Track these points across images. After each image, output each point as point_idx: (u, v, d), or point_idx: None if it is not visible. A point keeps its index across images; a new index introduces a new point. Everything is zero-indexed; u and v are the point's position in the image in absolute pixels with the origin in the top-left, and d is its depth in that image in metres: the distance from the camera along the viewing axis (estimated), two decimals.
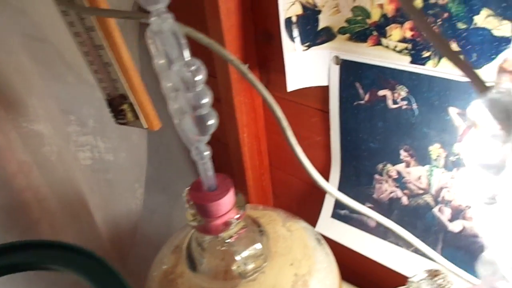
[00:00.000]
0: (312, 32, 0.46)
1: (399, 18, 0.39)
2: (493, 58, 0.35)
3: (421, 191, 0.46)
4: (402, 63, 0.41)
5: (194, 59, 0.28)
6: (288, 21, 0.45)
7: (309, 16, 0.45)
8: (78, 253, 0.28)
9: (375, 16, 0.41)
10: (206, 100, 0.29)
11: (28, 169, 0.45)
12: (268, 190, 0.66)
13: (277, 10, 0.45)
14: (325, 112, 0.51)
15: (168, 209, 0.69)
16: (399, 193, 0.48)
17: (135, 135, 0.56)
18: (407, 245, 0.45)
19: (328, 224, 0.55)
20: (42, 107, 0.44)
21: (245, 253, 0.35)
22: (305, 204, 0.62)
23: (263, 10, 0.50)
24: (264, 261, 0.37)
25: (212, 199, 0.35)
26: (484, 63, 0.36)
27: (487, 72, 0.35)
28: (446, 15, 0.36)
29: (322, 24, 0.45)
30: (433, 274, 0.28)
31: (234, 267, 0.36)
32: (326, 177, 0.55)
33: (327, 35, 0.45)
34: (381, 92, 0.44)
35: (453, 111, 0.39)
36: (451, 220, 0.44)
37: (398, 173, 0.47)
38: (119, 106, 0.36)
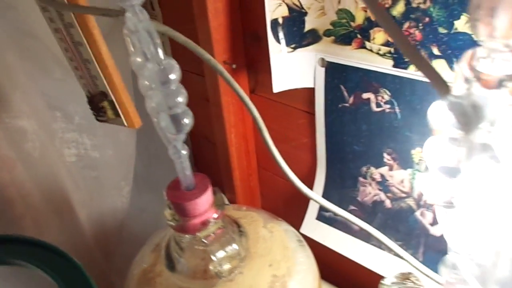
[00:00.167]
0: (298, 34, 0.46)
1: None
2: None
3: (403, 195, 0.46)
4: (385, 66, 0.41)
5: (169, 57, 0.28)
6: (275, 22, 0.45)
7: (295, 18, 0.45)
8: (41, 247, 0.28)
9: (359, 19, 0.41)
10: (181, 99, 0.29)
11: (12, 165, 0.45)
12: (256, 191, 0.66)
13: (264, 11, 0.45)
14: (312, 114, 0.51)
15: (158, 207, 0.69)
16: (382, 196, 0.48)
17: (122, 132, 0.56)
18: (389, 248, 0.45)
19: (312, 226, 0.55)
20: (27, 103, 0.44)
21: (220, 253, 0.35)
22: (291, 205, 0.62)
23: (251, 10, 0.50)
24: (240, 261, 0.37)
25: (190, 198, 0.35)
26: None
27: None
28: (427, 19, 0.36)
29: (308, 26, 0.45)
30: (404, 277, 0.28)
31: (211, 267, 0.36)
32: (312, 179, 0.55)
33: (313, 37, 0.46)
34: (365, 95, 0.44)
35: None
36: (432, 224, 0.44)
37: (382, 176, 0.47)
38: (99, 103, 0.36)
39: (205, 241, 0.35)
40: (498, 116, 0.16)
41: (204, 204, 0.35)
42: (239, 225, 0.41)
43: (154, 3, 0.61)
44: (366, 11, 0.40)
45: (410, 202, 0.45)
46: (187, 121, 0.30)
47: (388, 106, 0.43)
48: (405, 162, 0.44)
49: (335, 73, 0.46)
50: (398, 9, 0.37)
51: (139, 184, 0.66)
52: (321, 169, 0.53)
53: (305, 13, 0.44)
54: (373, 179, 0.48)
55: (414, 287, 0.27)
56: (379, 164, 0.46)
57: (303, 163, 0.56)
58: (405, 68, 0.39)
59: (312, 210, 0.56)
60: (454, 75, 0.17)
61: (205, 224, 0.36)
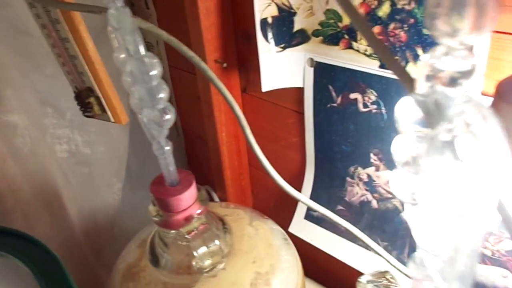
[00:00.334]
0: (288, 33, 0.46)
1: (368, 22, 0.39)
2: None
3: (389, 195, 0.46)
4: (372, 67, 0.41)
5: (151, 54, 0.28)
6: (264, 22, 0.46)
7: (284, 18, 0.45)
8: (16, 237, 0.28)
9: (346, 19, 0.41)
10: (163, 95, 0.29)
11: (2, 160, 0.45)
12: (247, 190, 0.66)
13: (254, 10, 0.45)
14: (301, 113, 0.51)
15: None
16: (369, 196, 0.48)
17: (114, 129, 0.57)
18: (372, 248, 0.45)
19: (301, 225, 0.55)
20: (18, 99, 0.45)
21: (202, 249, 0.35)
22: (282, 204, 0.63)
23: (242, 10, 0.50)
24: (223, 258, 0.37)
25: (173, 194, 0.35)
26: None
27: None
28: (412, 20, 0.36)
29: (297, 26, 0.45)
30: (380, 275, 0.28)
31: (193, 263, 0.37)
32: (302, 179, 0.55)
33: (302, 37, 0.46)
34: (353, 95, 0.44)
35: None
36: None
37: (369, 176, 0.47)
38: (85, 99, 0.36)
39: (188, 236, 0.35)
40: (457, 113, 0.16)
41: (187, 200, 0.36)
42: (224, 222, 0.41)
43: (148, 2, 0.62)
44: None
45: (396, 202, 0.46)
46: (169, 117, 0.30)
47: (374, 106, 0.43)
48: (391, 162, 0.44)
49: (324, 73, 0.46)
50: (384, 10, 0.38)
51: (132, 181, 0.67)
52: (310, 168, 0.54)
53: (294, 13, 0.45)
54: (360, 179, 0.48)
55: (388, 284, 0.27)
56: (366, 164, 0.47)
57: (293, 163, 0.56)
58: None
59: (300, 210, 0.56)
60: (418, 72, 0.18)
61: (188, 220, 0.36)
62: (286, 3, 0.45)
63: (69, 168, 0.53)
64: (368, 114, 0.44)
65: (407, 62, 0.39)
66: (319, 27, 0.44)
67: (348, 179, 0.49)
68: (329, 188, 0.52)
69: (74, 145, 0.52)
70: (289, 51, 0.47)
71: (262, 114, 0.57)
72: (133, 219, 0.67)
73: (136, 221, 0.67)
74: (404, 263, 0.44)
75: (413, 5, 0.36)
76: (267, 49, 0.47)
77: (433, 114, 0.18)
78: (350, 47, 0.42)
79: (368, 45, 0.38)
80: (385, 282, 0.28)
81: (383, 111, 0.42)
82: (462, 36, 0.15)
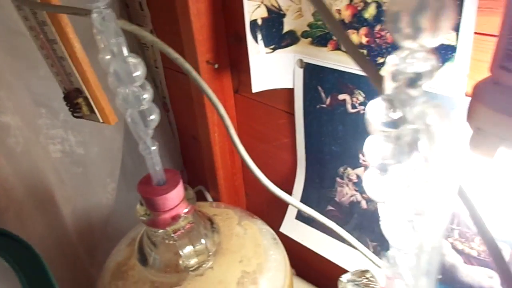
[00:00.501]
0: (277, 35, 0.47)
1: (355, 24, 0.40)
2: (440, 66, 0.36)
3: None
4: (359, 68, 0.41)
5: (134, 55, 0.29)
6: (254, 23, 0.46)
7: (274, 19, 0.46)
8: (4, 237, 0.28)
9: None
10: (147, 95, 0.30)
11: None
12: (241, 190, 0.67)
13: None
14: (292, 114, 0.52)
15: None
16: (358, 197, 0.48)
17: (108, 130, 0.57)
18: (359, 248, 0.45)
19: (292, 226, 0.56)
20: (11, 100, 0.45)
21: (188, 248, 0.36)
22: (275, 204, 0.63)
23: (234, 12, 0.51)
24: (208, 256, 0.37)
25: (160, 193, 0.36)
26: None
27: (435, 80, 0.36)
28: None
29: (286, 27, 0.46)
30: (360, 274, 0.29)
31: (180, 261, 0.37)
32: (293, 179, 0.56)
33: (291, 39, 0.46)
34: (341, 96, 0.45)
35: None
36: None
37: (358, 177, 0.47)
38: (74, 100, 0.37)
39: (174, 235, 0.35)
40: (418, 114, 0.17)
41: (174, 199, 0.36)
42: (212, 221, 0.42)
43: (143, 4, 0.63)
44: (340, 13, 0.40)
45: None
46: (153, 117, 0.31)
47: (362, 107, 0.43)
48: None
49: (313, 74, 0.46)
50: (370, 12, 0.38)
51: (128, 180, 0.67)
52: (301, 169, 0.54)
53: (284, 15, 0.45)
54: (350, 180, 0.48)
55: (368, 283, 0.27)
56: (356, 165, 0.47)
57: (285, 163, 0.57)
58: (378, 70, 0.40)
59: (291, 210, 0.56)
60: (385, 74, 0.18)
61: (175, 219, 0.37)
62: (276, 5, 0.45)
63: (62, 168, 0.53)
64: (357, 115, 0.44)
65: None
66: (307, 29, 0.44)
67: (338, 179, 0.50)
68: (320, 189, 0.52)
69: (68, 145, 0.53)
70: (279, 52, 0.47)
71: (254, 114, 0.57)
72: (128, 218, 0.67)
73: (131, 220, 0.68)
74: None
75: None
76: (256, 51, 0.47)
77: (398, 115, 0.18)
78: (338, 48, 0.42)
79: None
80: (365, 281, 0.28)
81: None
82: (421, 39, 0.16)
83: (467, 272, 0.41)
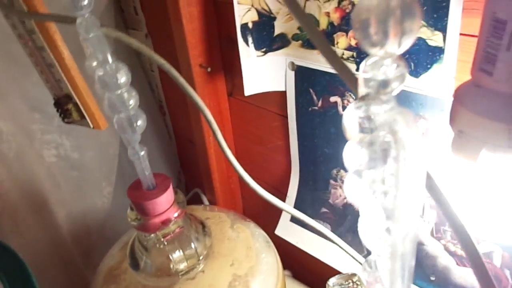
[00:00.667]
0: (268, 38, 0.47)
1: (344, 26, 0.40)
2: (429, 68, 0.36)
3: None
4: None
5: (118, 62, 0.29)
6: (244, 27, 0.46)
7: (265, 23, 0.46)
8: None
9: (323, 24, 0.41)
10: (132, 101, 0.30)
11: None
12: (237, 193, 0.67)
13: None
14: (285, 116, 0.52)
15: None
16: None
17: (103, 134, 0.58)
18: (358, 251, 0.45)
19: (287, 228, 0.56)
20: (4, 105, 0.46)
21: (177, 252, 0.36)
22: (270, 207, 0.63)
23: (226, 15, 0.51)
24: (198, 260, 0.38)
25: (149, 198, 0.36)
26: (421, 72, 0.36)
27: (424, 81, 0.36)
28: None
29: (277, 30, 0.46)
30: (347, 278, 0.29)
31: (171, 265, 0.37)
32: (288, 182, 0.56)
33: (282, 41, 0.46)
34: (332, 99, 0.45)
35: None
36: None
37: None
38: (64, 106, 0.37)
39: (163, 239, 0.36)
40: (386, 120, 0.17)
41: (163, 203, 0.36)
42: (204, 225, 0.42)
43: (137, 9, 0.63)
44: (329, 16, 0.40)
45: None
46: (140, 122, 0.31)
47: None
48: None
49: (304, 77, 0.46)
50: None
51: (126, 183, 0.67)
52: (295, 171, 0.54)
53: (274, 18, 0.45)
54: (343, 182, 0.48)
55: (353, 286, 0.27)
56: None
57: (279, 165, 0.57)
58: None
59: (286, 212, 0.56)
60: (359, 80, 0.18)
61: (165, 223, 0.37)
62: (266, 8, 0.45)
63: (57, 172, 0.54)
64: None
65: None
66: (298, 31, 0.44)
67: (332, 181, 0.50)
68: (314, 191, 0.52)
69: (63, 149, 0.53)
70: (270, 55, 0.48)
71: (249, 117, 0.57)
72: (125, 221, 0.67)
73: (128, 224, 0.68)
74: None
75: None
76: (247, 54, 0.47)
77: (370, 121, 0.18)
78: None
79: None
80: (351, 285, 0.28)
81: None
82: (388, 46, 0.16)
83: (460, 274, 0.41)
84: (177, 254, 0.36)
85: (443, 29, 0.33)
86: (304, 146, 0.51)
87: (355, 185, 0.21)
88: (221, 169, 0.62)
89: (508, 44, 0.21)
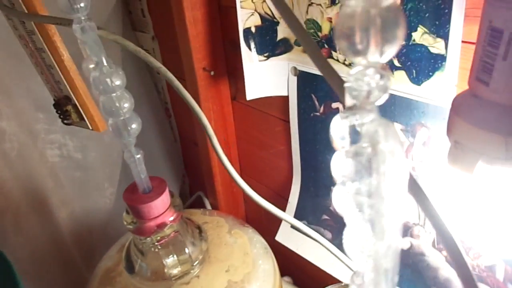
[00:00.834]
0: (271, 42, 0.46)
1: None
2: (431, 75, 0.35)
3: None
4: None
5: (113, 65, 0.29)
6: (247, 31, 0.46)
7: (268, 27, 0.46)
8: None
9: (325, 29, 0.41)
10: (127, 104, 0.30)
11: None
12: (239, 197, 0.67)
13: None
14: (287, 122, 0.51)
15: None
16: None
17: (107, 135, 0.58)
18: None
19: (287, 234, 0.55)
20: (8, 105, 0.46)
21: (171, 257, 0.36)
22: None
23: (230, 19, 0.51)
24: (192, 265, 0.37)
25: (145, 201, 0.36)
26: (423, 80, 0.35)
27: (426, 89, 0.35)
28: None
29: (280, 35, 0.46)
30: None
31: (165, 270, 0.37)
32: (290, 187, 0.55)
33: (285, 46, 0.46)
34: (334, 105, 0.44)
35: (396, 127, 0.39)
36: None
37: None
38: (64, 107, 0.37)
39: (157, 244, 0.35)
40: (368, 131, 0.16)
41: (159, 207, 0.36)
42: (201, 229, 0.41)
43: (144, 11, 0.63)
44: (331, 21, 0.40)
45: None
46: (134, 126, 0.31)
47: None
48: None
49: (307, 82, 0.46)
50: None
51: (129, 184, 0.68)
52: (297, 177, 0.53)
53: (277, 23, 0.45)
54: None
55: None
56: None
57: (282, 171, 0.56)
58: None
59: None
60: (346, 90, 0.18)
61: (161, 227, 0.36)
62: (269, 13, 0.45)
63: (60, 172, 0.54)
64: None
65: None
66: None
67: (333, 188, 0.49)
68: (315, 197, 0.52)
69: (66, 150, 0.53)
70: (273, 60, 0.47)
71: (252, 122, 0.57)
72: None
73: None
74: None
75: None
76: (250, 58, 0.47)
77: (354, 131, 0.18)
78: (330, 56, 0.42)
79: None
80: None
81: None
82: (370, 55, 0.15)
83: (461, 286, 0.40)
84: (170, 259, 0.36)
85: (445, 36, 0.32)
86: (306, 151, 0.50)
87: (341, 196, 0.21)
88: (223, 173, 0.61)
89: (504, 54, 0.20)
